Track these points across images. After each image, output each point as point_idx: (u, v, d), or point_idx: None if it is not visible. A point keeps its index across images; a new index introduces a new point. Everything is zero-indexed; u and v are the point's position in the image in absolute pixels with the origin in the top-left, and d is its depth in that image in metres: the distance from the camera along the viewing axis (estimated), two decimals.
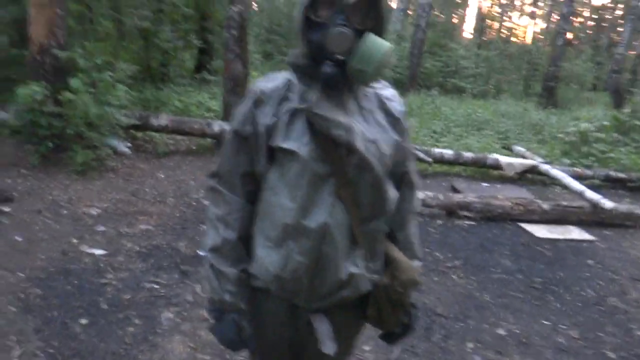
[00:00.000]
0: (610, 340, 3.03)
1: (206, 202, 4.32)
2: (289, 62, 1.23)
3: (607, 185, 6.58)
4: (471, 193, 5.32)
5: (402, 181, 1.35)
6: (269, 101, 1.21)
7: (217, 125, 5.89)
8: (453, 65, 15.22)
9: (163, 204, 4.35)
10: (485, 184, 6.13)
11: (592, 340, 3.01)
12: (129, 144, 5.62)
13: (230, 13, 6.08)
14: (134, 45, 8.34)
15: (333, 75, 1.11)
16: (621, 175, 6.71)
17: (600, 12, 24.80)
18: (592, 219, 5.07)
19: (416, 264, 1.37)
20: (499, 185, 6.12)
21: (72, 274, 3.05)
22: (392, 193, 1.28)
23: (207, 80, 8.90)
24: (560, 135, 8.67)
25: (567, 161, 7.22)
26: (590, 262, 4.21)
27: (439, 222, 4.71)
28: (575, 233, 4.84)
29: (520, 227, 4.81)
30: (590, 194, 5.17)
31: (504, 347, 2.83)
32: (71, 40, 5.35)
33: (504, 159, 6.37)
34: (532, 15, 26.36)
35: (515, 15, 26.65)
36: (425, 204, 4.68)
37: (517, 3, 26.15)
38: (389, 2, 1.19)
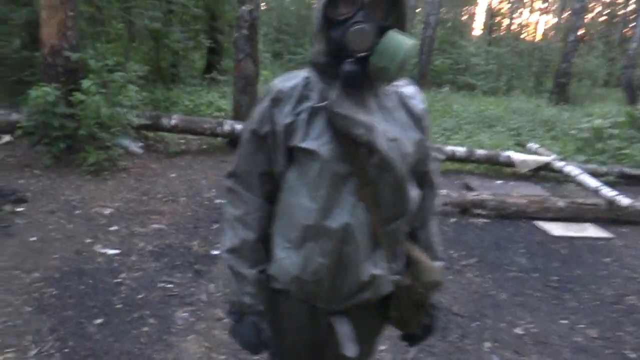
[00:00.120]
0: (630, 339, 2.96)
1: (218, 201, 4.30)
2: (309, 60, 1.21)
3: (622, 181, 6.48)
4: (485, 191, 5.26)
5: (423, 180, 1.32)
6: (287, 100, 1.18)
7: (228, 125, 5.89)
8: (463, 62, 15.12)
9: (175, 203, 4.35)
10: (498, 182, 6.06)
11: (611, 339, 2.95)
12: (140, 144, 5.63)
13: (241, 12, 6.08)
14: (145, 46, 8.38)
15: (354, 73, 1.08)
16: (636, 171, 6.61)
17: (611, 7, 24.52)
18: (608, 216, 4.98)
19: (438, 264, 1.34)
20: (512, 183, 6.05)
21: (86, 274, 3.05)
22: (414, 193, 1.25)
23: (216, 80, 8.91)
24: (573, 131, 8.56)
25: (582, 158, 7.12)
26: (607, 260, 4.14)
27: (453, 220, 4.66)
28: (591, 231, 4.77)
29: (535, 225, 4.75)
30: (606, 191, 5.08)
31: (522, 347, 2.78)
32: (82, 41, 5.37)
33: (517, 156, 6.30)
34: (543, 11, 26.13)
35: (525, 11, 26.45)
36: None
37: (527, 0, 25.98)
38: None
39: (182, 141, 6.24)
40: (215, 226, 3.94)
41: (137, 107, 5.28)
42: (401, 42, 1.08)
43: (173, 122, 5.72)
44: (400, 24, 1.14)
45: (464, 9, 22.64)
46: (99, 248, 3.40)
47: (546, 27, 26.09)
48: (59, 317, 2.60)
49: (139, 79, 5.38)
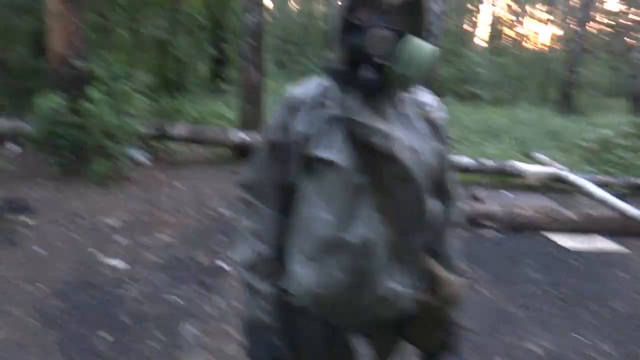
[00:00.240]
0: None
1: (224, 211, 4.25)
2: (325, 68, 1.17)
3: (630, 192, 6.41)
4: (493, 202, 5.21)
5: (442, 192, 1.28)
6: (304, 109, 1.14)
7: (234, 134, 5.86)
8: (467, 72, 15.10)
9: (181, 213, 4.31)
10: (506, 193, 6.00)
11: (629, 355, 2.89)
12: (146, 154, 5.60)
13: (247, 22, 6.07)
14: (150, 55, 8.39)
15: (373, 80, 1.05)
16: None
17: (615, 17, 24.52)
18: (620, 228, 4.92)
19: (457, 278, 1.29)
20: (520, 194, 5.99)
21: (93, 286, 3.01)
22: (433, 204, 1.21)
23: (222, 89, 8.91)
24: (580, 142, 8.51)
25: (589, 168, 7.07)
26: (621, 273, 4.07)
27: (461, 232, 4.60)
28: (603, 243, 4.70)
29: (546, 237, 4.68)
30: (617, 203, 5.03)
31: None
32: (89, 50, 5.36)
33: (524, 167, 6.24)
34: (546, 22, 26.15)
35: (528, 21, 26.52)
36: None
37: (530, 9, 26.02)
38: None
39: (188, 151, 6.22)
40: (221, 237, 3.90)
41: (143, 116, 5.26)
42: (422, 48, 1.04)
43: (179, 131, 5.70)
44: (421, 30, 1.10)
45: (468, 17, 22.70)
46: (105, 259, 3.36)
47: (550, 36, 26.14)
48: (64, 331, 2.56)
49: (145, 88, 5.37)
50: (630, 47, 21.16)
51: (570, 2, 22.19)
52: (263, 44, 6.34)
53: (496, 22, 23.91)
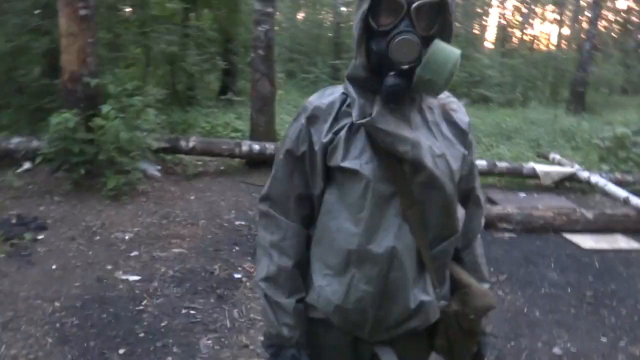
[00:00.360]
0: None
1: (238, 223, 4.22)
2: (347, 75, 1.14)
3: None
4: (508, 204, 5.13)
5: (468, 198, 1.24)
6: (325, 117, 1.12)
7: (246, 146, 5.87)
8: (478, 75, 14.99)
9: (195, 226, 4.30)
10: (522, 194, 5.92)
11: None
12: (158, 167, 5.62)
13: (257, 33, 6.10)
14: (161, 70, 8.47)
15: (398, 86, 1.02)
16: None
17: (624, 14, 24.27)
18: (639, 227, 4.81)
19: (485, 286, 1.25)
20: (536, 195, 5.90)
21: (108, 302, 3.00)
22: (461, 212, 1.17)
23: (232, 101, 8.95)
24: (595, 141, 8.38)
25: (606, 167, 6.94)
26: None
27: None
28: (622, 242, 4.60)
29: (564, 238, 4.60)
30: (636, 201, 4.92)
31: None
32: (101, 67, 5.42)
33: (540, 168, 6.15)
34: (556, 22, 25.96)
35: (537, 22, 26.36)
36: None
37: (539, 10, 25.87)
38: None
39: (199, 163, 6.23)
40: (236, 249, 3.88)
41: (154, 130, 5.28)
42: (449, 52, 1.01)
43: (191, 144, 5.71)
44: (446, 33, 1.07)
45: (477, 20, 22.62)
46: (120, 274, 3.35)
47: (559, 37, 25.94)
48: (81, 348, 2.54)
49: (157, 102, 5.40)
50: (639, 44, 20.91)
51: (581, 2, 22.02)
52: (273, 54, 6.35)
53: (505, 24, 23.78)
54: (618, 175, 6.27)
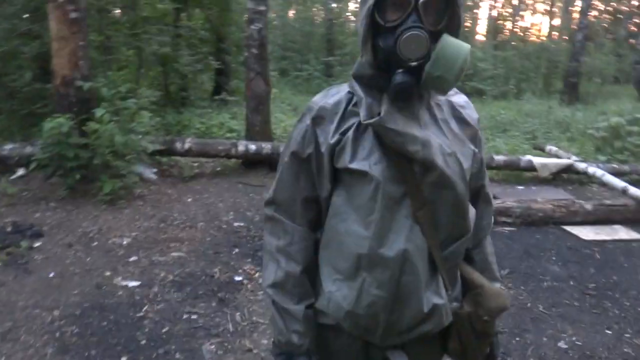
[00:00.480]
0: None
1: (237, 224, 4.18)
2: (353, 74, 1.11)
3: None
4: (507, 197, 5.11)
5: (478, 196, 1.21)
6: (330, 118, 1.08)
7: (242, 146, 5.82)
8: (471, 67, 14.99)
9: (193, 229, 4.26)
10: (520, 187, 5.91)
11: None
12: (154, 170, 5.57)
13: (250, 32, 6.04)
14: (153, 71, 8.40)
15: (407, 84, 0.98)
16: None
17: (614, 3, 24.32)
18: (638, 216, 4.82)
19: (497, 285, 1.22)
20: (534, 188, 5.90)
21: (108, 309, 2.96)
22: (472, 211, 1.14)
23: (226, 100, 8.89)
24: (590, 131, 8.39)
25: (603, 158, 6.95)
26: None
27: None
28: (622, 233, 4.60)
29: (564, 230, 4.59)
30: (634, 191, 4.91)
31: None
32: (94, 70, 5.36)
33: (537, 160, 6.14)
34: (547, 13, 25.98)
35: (528, 13, 26.37)
36: None
37: (530, 1, 25.88)
38: None
39: (195, 164, 6.18)
40: (236, 251, 3.85)
41: (149, 132, 5.23)
42: (458, 47, 0.98)
43: (187, 145, 5.66)
44: (454, 27, 1.03)
45: (467, 14, 22.61)
46: (119, 281, 3.30)
47: (551, 28, 25.97)
48: (81, 358, 2.50)
49: (150, 104, 5.34)
50: (631, 34, 20.97)
51: None
52: (267, 53, 6.30)
53: (496, 16, 23.79)
54: (615, 165, 6.28)
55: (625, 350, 2.77)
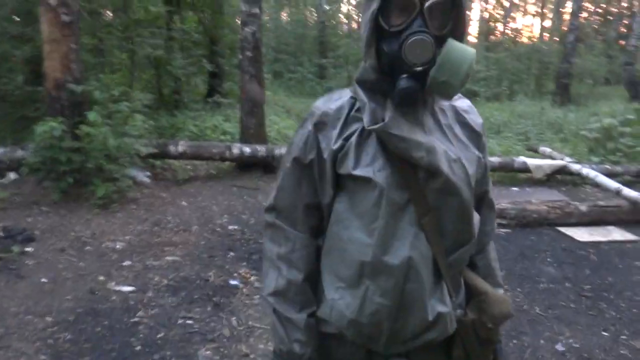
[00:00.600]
0: None
1: (231, 227, 4.16)
2: (357, 79, 1.09)
3: (639, 180, 6.33)
4: (502, 199, 5.12)
5: (482, 201, 1.20)
6: (333, 123, 1.06)
7: (237, 148, 5.80)
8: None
9: (187, 232, 4.23)
10: (514, 189, 5.93)
11: None
12: (147, 173, 5.53)
13: (244, 34, 6.03)
14: (147, 74, 8.36)
15: (412, 89, 0.97)
16: None
17: (604, 5, 24.56)
18: (632, 217, 4.84)
19: (500, 292, 1.21)
20: (528, 189, 5.92)
21: (102, 314, 2.92)
22: (476, 217, 1.12)
23: (219, 103, 8.87)
24: (583, 132, 8.45)
25: (596, 159, 6.99)
26: (637, 263, 3.99)
27: None
28: (616, 234, 4.62)
29: (559, 231, 4.60)
30: (629, 192, 4.94)
31: None
32: (86, 73, 5.32)
33: (531, 162, 6.17)
34: (538, 14, 26.20)
35: (519, 15, 26.55)
36: None
37: (520, 2, 26.07)
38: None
39: (189, 167, 6.15)
40: (230, 254, 3.82)
41: (142, 135, 5.20)
42: (463, 52, 0.96)
43: (181, 148, 5.63)
44: (459, 32, 1.02)
45: None
46: (113, 286, 3.27)
47: (542, 29, 26.17)
48: None
49: (144, 107, 5.31)
50: (621, 35, 21.16)
51: None
52: (261, 56, 6.28)
53: (488, 18, 23.93)
54: (608, 166, 6.31)
55: (622, 352, 2.77)
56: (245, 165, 5.98)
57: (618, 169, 6.31)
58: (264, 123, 6.46)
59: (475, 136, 1.12)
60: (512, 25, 24.34)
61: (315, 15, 17.21)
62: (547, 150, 6.94)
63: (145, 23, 7.89)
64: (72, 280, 3.32)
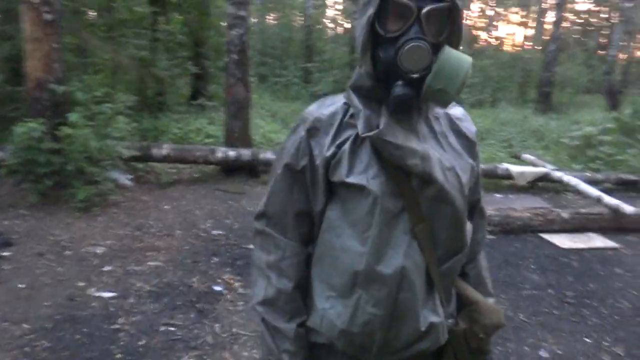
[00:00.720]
0: None
1: (215, 232, 4.11)
2: (351, 85, 1.07)
3: (619, 188, 6.44)
4: (486, 205, 5.13)
5: (474, 210, 1.19)
6: (325, 129, 1.05)
7: (221, 152, 5.74)
8: None
9: (170, 237, 4.17)
10: (498, 195, 5.98)
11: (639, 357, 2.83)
12: (130, 176, 5.45)
13: (231, 37, 5.98)
14: (130, 75, 8.25)
15: (407, 96, 0.96)
16: (632, 177, 6.59)
17: (584, 16, 25.08)
18: (613, 225, 4.91)
19: (491, 301, 1.20)
20: (511, 196, 5.97)
21: (81, 321, 2.85)
22: (468, 225, 1.11)
23: (204, 106, 8.79)
24: (564, 140, 8.58)
25: (577, 167, 7.09)
26: (618, 270, 4.05)
27: None
28: (598, 241, 4.68)
29: (541, 238, 4.65)
30: (609, 200, 5.01)
31: None
32: (68, 74, 5.21)
33: (514, 168, 6.23)
34: (521, 24, 26.62)
35: (502, 24, 26.95)
36: None
37: (503, 12, 26.46)
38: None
39: (173, 171, 6.07)
40: (214, 260, 3.77)
41: (124, 137, 5.11)
42: (460, 60, 0.95)
43: (164, 151, 5.55)
44: (455, 39, 1.01)
45: None
46: (93, 292, 3.19)
47: (524, 38, 26.61)
48: None
49: (127, 109, 5.22)
50: (600, 45, 21.62)
51: (543, 5, 22.63)
52: (247, 59, 6.24)
53: (472, 26, 24.22)
54: (588, 174, 6.41)
55: (604, 358, 2.80)
56: (230, 169, 5.93)
57: (599, 176, 6.42)
58: (249, 127, 6.41)
59: (469, 144, 1.11)
60: (495, 33, 24.68)
61: (302, 19, 17.22)
62: (530, 157, 7.02)
63: (129, 23, 7.79)
64: (50, 286, 3.24)
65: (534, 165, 6.61)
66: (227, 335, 2.78)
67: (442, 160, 1.03)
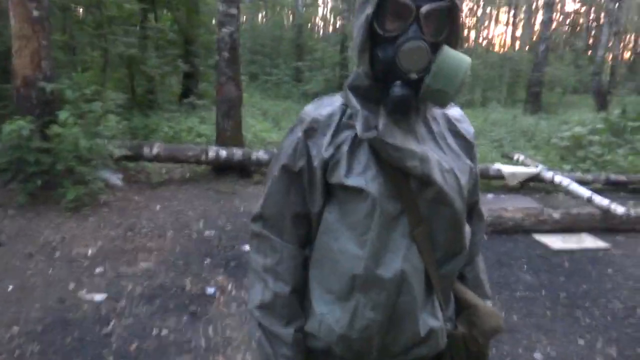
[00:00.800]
0: None
1: (207, 233, 4.07)
2: (349, 85, 1.05)
3: (609, 188, 6.50)
4: None
5: (473, 212, 1.18)
6: (323, 130, 1.02)
7: (213, 151, 5.69)
8: None
9: (162, 238, 4.12)
10: (490, 195, 6.00)
11: (632, 357, 2.84)
12: (121, 176, 5.38)
13: (222, 35, 5.93)
14: (120, 73, 8.16)
15: (405, 97, 0.94)
16: (622, 177, 6.65)
17: (575, 16, 25.36)
18: (603, 225, 4.95)
19: (489, 304, 1.19)
20: (503, 196, 5.99)
21: (72, 324, 2.80)
22: (467, 227, 1.10)
23: (194, 104, 8.72)
24: (554, 140, 8.64)
25: (568, 167, 7.15)
26: (609, 271, 4.07)
27: None
28: (589, 241, 4.71)
29: (533, 239, 4.67)
30: (600, 200, 5.05)
31: None
32: (57, 71, 5.13)
33: (506, 169, 6.25)
34: (509, 24, 26.84)
35: (491, 24, 27.14)
36: None
37: (493, 12, 26.65)
38: None
39: (164, 170, 6.01)
40: (207, 261, 3.73)
41: (115, 136, 5.05)
42: (459, 60, 0.93)
43: (155, 150, 5.49)
44: (454, 39, 1.00)
45: None
46: (84, 294, 3.14)
47: (513, 38, 26.79)
48: None
49: (117, 107, 5.16)
50: (588, 46, 21.84)
51: (533, 6, 22.81)
52: (239, 57, 6.20)
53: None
54: (580, 174, 6.46)
55: (597, 359, 2.81)
56: (222, 168, 5.88)
57: (589, 176, 6.46)
58: (241, 125, 6.37)
59: (467, 145, 1.10)
60: (484, 33, 24.84)
61: (292, 17, 17.18)
62: (521, 157, 7.06)
63: (118, 20, 7.70)
64: (40, 288, 3.18)
65: (526, 165, 6.64)
66: (220, 338, 2.75)
67: (441, 161, 1.01)
